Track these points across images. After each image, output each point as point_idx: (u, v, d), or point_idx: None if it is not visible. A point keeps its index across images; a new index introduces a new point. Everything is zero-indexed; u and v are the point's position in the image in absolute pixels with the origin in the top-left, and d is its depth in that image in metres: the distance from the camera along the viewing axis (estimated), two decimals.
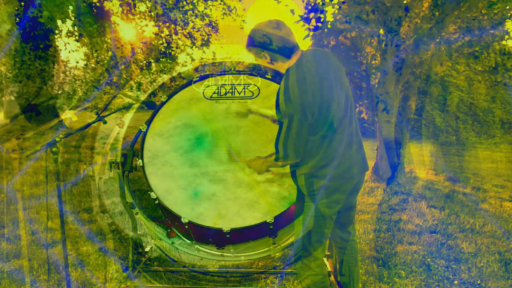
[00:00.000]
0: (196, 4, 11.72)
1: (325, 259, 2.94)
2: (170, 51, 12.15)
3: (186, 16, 11.60)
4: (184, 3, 11.33)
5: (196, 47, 12.45)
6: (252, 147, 2.64)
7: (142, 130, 2.79)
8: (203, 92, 2.96)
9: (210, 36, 12.61)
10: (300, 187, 2.18)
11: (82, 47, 11.02)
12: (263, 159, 2.36)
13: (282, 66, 2.15)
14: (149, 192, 2.53)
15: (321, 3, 6.17)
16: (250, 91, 2.93)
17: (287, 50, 2.08)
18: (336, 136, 2.08)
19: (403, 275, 3.31)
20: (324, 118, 2.03)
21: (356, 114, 2.28)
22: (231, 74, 3.04)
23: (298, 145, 2.03)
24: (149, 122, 2.83)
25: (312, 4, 6.27)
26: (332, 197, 2.14)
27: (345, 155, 2.12)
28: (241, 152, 2.63)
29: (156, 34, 11.61)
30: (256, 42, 2.09)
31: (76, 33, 10.50)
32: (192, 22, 12.01)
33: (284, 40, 2.07)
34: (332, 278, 2.83)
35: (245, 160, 2.55)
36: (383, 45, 6.37)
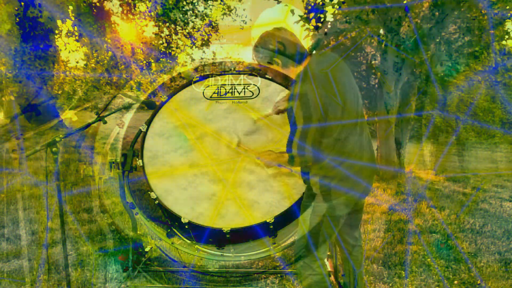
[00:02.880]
0: (196, 4, 11.72)
1: (325, 260, 2.94)
2: (170, 51, 12.14)
3: (186, 16, 11.60)
4: (184, 3, 11.32)
5: (196, 47, 12.45)
6: (252, 147, 2.64)
7: (142, 130, 2.79)
8: (203, 92, 2.96)
9: (210, 36, 12.61)
10: (312, 186, 2.19)
11: (82, 47, 11.02)
12: (276, 154, 2.33)
13: (291, 71, 2.18)
14: (149, 192, 2.53)
15: (321, 3, 6.18)
16: (250, 91, 2.93)
17: (299, 55, 2.14)
18: (348, 137, 2.10)
19: (403, 275, 3.31)
20: (338, 119, 2.06)
21: (365, 115, 2.30)
22: (231, 74, 3.03)
23: (314, 148, 2.06)
24: (149, 122, 2.82)
25: (312, 4, 6.27)
26: (343, 197, 2.15)
27: (357, 156, 2.14)
28: (241, 152, 2.64)
29: (156, 34, 11.60)
30: (270, 48, 2.13)
31: (76, 33, 10.50)
32: (192, 22, 12.01)
33: (297, 46, 2.13)
34: (332, 278, 2.83)
35: (255, 151, 2.52)
36: (383, 45, 6.37)
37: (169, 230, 2.73)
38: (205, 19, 12.19)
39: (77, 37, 10.58)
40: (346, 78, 2.15)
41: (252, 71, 3.04)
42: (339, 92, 2.05)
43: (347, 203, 2.17)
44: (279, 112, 2.67)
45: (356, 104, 2.16)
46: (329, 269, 2.93)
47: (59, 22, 10.13)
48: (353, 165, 2.11)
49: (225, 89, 2.96)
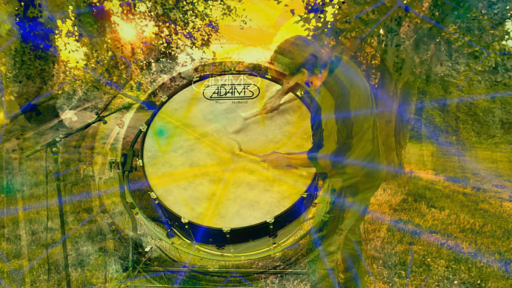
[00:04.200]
0: (196, 4, 11.72)
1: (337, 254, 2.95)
2: (170, 51, 12.15)
3: (186, 16, 11.60)
4: (184, 3, 11.32)
5: (196, 47, 12.45)
6: (252, 147, 2.63)
7: (142, 130, 2.79)
8: (203, 92, 2.96)
9: (210, 36, 12.61)
10: (332, 183, 2.21)
11: (82, 47, 11.02)
12: (283, 156, 2.36)
13: (316, 78, 2.19)
14: (149, 192, 2.53)
15: (321, 3, 6.18)
16: (250, 91, 2.93)
17: (325, 65, 2.16)
18: (369, 134, 2.15)
19: (403, 275, 3.31)
20: (362, 120, 2.11)
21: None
22: (231, 74, 3.03)
23: (343, 153, 2.10)
24: (149, 122, 2.82)
25: (312, 4, 6.28)
26: (364, 193, 2.22)
27: (376, 154, 2.21)
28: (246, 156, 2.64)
29: (156, 34, 11.60)
30: (298, 61, 2.12)
31: (76, 33, 10.50)
32: (192, 22, 12.01)
33: (324, 56, 2.16)
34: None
35: (259, 154, 2.53)
36: (383, 45, 6.36)
37: (169, 230, 2.73)
38: (205, 19, 12.19)
39: (77, 37, 10.58)
40: (365, 81, 2.23)
41: (252, 71, 3.04)
42: (364, 106, 2.12)
43: (367, 198, 2.28)
44: (270, 111, 2.68)
45: (373, 103, 2.23)
46: None
47: (59, 22, 10.12)
48: (373, 162, 2.19)
49: (225, 89, 2.96)
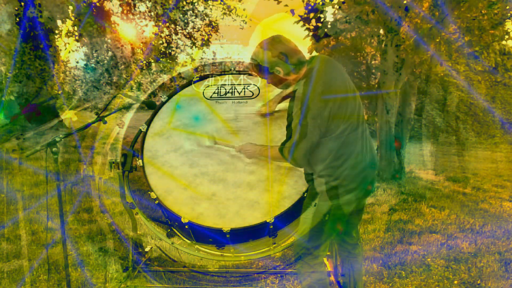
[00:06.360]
0: (196, 4, 11.73)
1: (325, 259, 2.94)
2: (170, 51, 12.16)
3: (186, 16, 11.61)
4: (184, 3, 11.33)
5: (196, 47, 12.46)
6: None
7: (142, 130, 2.79)
8: (203, 92, 2.96)
9: (210, 36, 12.63)
10: (316, 186, 2.20)
11: (82, 47, 11.03)
12: (257, 147, 2.46)
13: (292, 78, 2.20)
14: (149, 192, 2.53)
15: (321, 3, 6.18)
16: (250, 91, 2.93)
17: (301, 64, 2.16)
18: (350, 137, 2.12)
19: (403, 275, 3.31)
20: (338, 120, 2.09)
21: (364, 116, 2.31)
22: (231, 74, 3.03)
23: (311, 151, 2.11)
24: (149, 122, 2.82)
25: (312, 4, 6.28)
26: (346, 197, 2.16)
27: (359, 156, 2.16)
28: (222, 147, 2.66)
29: (156, 34, 11.61)
30: (271, 60, 2.15)
31: (76, 33, 10.50)
32: (192, 22, 12.02)
33: (297, 54, 2.16)
34: (332, 278, 2.83)
35: (234, 145, 2.60)
36: (383, 45, 6.37)
37: (169, 230, 2.73)
38: (205, 19, 12.21)
39: (77, 37, 10.58)
40: (346, 81, 2.19)
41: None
42: (339, 105, 2.09)
43: (351, 202, 2.20)
44: (265, 114, 2.72)
45: (355, 104, 2.18)
46: (329, 269, 2.93)
47: (59, 22, 10.13)
48: (356, 165, 2.14)
49: (225, 89, 2.96)
